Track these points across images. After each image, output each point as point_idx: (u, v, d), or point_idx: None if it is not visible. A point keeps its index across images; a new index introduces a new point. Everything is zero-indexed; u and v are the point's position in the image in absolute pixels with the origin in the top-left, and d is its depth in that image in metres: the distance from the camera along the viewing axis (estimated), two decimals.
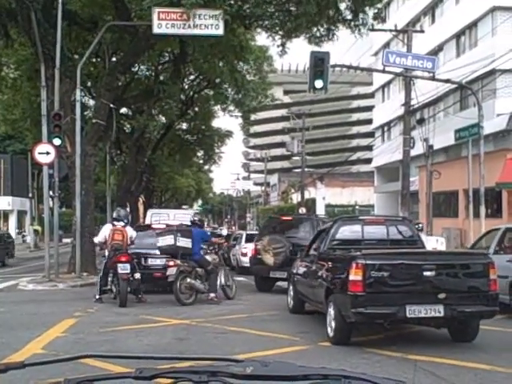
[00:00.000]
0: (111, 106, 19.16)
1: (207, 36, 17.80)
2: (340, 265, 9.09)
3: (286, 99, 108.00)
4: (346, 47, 31.48)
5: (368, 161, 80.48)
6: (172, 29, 16.31)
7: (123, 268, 12.94)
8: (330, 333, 8.94)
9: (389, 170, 43.63)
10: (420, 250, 10.55)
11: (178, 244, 13.53)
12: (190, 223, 14.95)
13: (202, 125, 41.69)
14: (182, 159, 45.12)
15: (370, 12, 19.06)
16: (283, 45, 22.61)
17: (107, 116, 19.16)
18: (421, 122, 24.98)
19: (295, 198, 60.55)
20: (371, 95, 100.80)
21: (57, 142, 17.64)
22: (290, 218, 18.59)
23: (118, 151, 30.77)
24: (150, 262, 15.51)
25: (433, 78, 18.60)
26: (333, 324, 8.84)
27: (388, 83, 44.17)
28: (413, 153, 23.55)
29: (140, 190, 36.95)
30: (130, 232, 13.79)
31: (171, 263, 14.19)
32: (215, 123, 43.00)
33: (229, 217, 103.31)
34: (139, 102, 26.43)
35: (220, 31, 16.72)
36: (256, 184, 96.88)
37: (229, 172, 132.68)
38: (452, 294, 8.31)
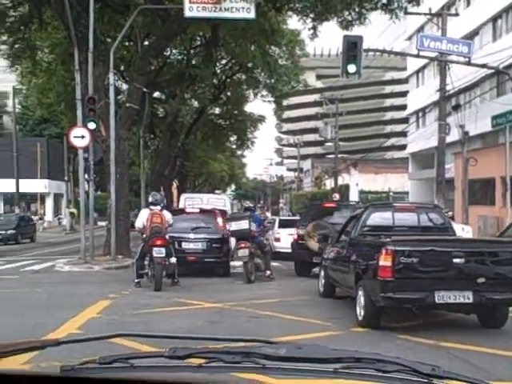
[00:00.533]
0: (144, 90, 19.26)
1: (239, 19, 17.75)
2: (370, 250, 9.21)
3: (319, 84, 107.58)
4: (379, 31, 31.09)
5: (402, 147, 79.77)
6: (203, 12, 16.28)
7: (158, 252, 12.96)
8: (360, 317, 9.11)
9: (424, 156, 43.06)
10: (450, 237, 10.60)
11: (251, 228, 14.77)
12: (244, 209, 16.68)
13: (234, 109, 41.62)
14: (214, 144, 45.19)
15: None
16: (314, 28, 22.47)
17: (140, 100, 19.29)
18: (456, 107, 24.57)
19: (328, 183, 59.84)
20: (405, 80, 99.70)
21: (91, 125, 17.82)
22: (332, 204, 18.75)
23: (151, 135, 30.93)
24: (184, 245, 15.79)
25: (469, 63, 18.24)
26: (362, 308, 9.01)
27: (422, 68, 43.47)
28: (448, 139, 23.20)
29: (174, 175, 37.17)
30: (168, 216, 13.85)
31: (243, 245, 14.75)
32: (248, 108, 42.91)
33: (262, 202, 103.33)
34: (172, 86, 26.52)
35: (251, 14, 16.64)
36: (289, 170, 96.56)
37: (262, 157, 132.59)
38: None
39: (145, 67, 19.47)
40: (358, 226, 10.82)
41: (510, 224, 14.44)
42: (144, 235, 13.70)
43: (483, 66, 19.66)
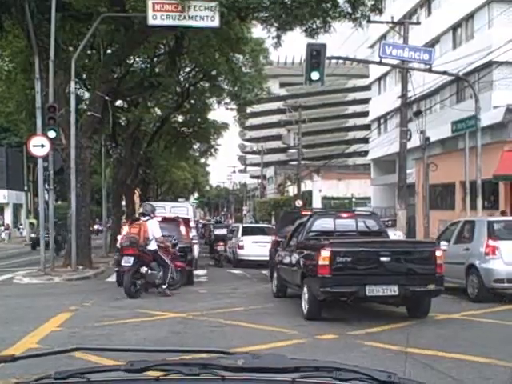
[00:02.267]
0: (106, 98, 19.00)
1: (203, 28, 17.66)
2: (312, 252, 10.50)
3: (282, 92, 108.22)
4: (343, 39, 31.38)
5: (364, 153, 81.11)
6: (167, 20, 16.18)
7: (126, 261, 13.22)
8: (304, 310, 10.40)
9: (385, 162, 43.52)
10: (378, 239, 11.85)
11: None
12: (216, 222, 16.64)
13: (197, 117, 41.53)
14: (178, 152, 44.93)
15: (368, 3, 18.95)
16: (278, 37, 22.48)
17: (102, 108, 19.02)
18: (418, 114, 24.87)
19: (292, 190, 60.33)
20: (367, 87, 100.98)
21: (51, 134, 17.52)
22: (310, 212, 18.61)
23: (113, 144, 30.54)
24: None
25: (429, 70, 18.51)
26: (307, 303, 10.31)
27: (384, 75, 44.03)
28: (410, 145, 23.47)
29: (136, 183, 36.77)
30: (152, 226, 13.75)
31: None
32: (211, 116, 42.74)
33: (225, 210, 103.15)
34: (134, 94, 26.22)
35: (216, 23, 16.62)
36: (252, 177, 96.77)
37: (225, 165, 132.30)
38: (405, 275, 9.85)
39: (107, 75, 19.24)
40: (304, 232, 12.17)
41: (445, 227, 15.36)
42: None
43: (444, 72, 19.97)
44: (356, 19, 18.12)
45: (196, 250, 16.54)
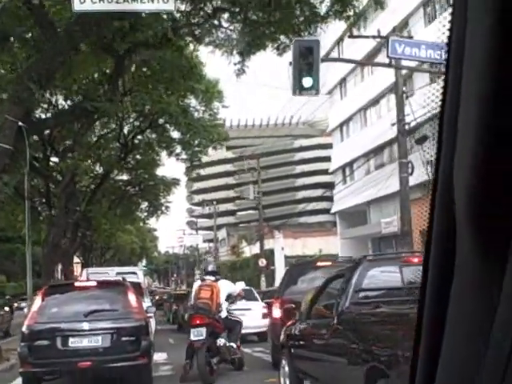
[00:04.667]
0: (19, 123, 14.18)
1: (152, 12, 13.14)
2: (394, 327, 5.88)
3: (230, 154, 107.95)
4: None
5: (316, 212, 79.22)
6: (100, 4, 11.52)
7: (197, 334, 10.63)
8: None
9: (352, 214, 39.90)
10: None
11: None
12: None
13: (145, 174, 37.20)
14: (123, 213, 40.09)
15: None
16: (243, 61, 19.17)
17: (15, 139, 14.07)
18: (422, 140, 21.05)
19: (248, 251, 57.91)
20: (314, 147, 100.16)
21: None
22: (328, 262, 13.12)
23: (42, 200, 25.45)
24: (72, 343, 9.66)
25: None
26: None
27: (348, 120, 40.84)
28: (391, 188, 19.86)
29: (75, 248, 31.46)
30: (226, 287, 11.63)
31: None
32: (159, 172, 38.33)
33: (175, 275, 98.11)
34: (61, 123, 21.12)
35: (170, 6, 12.10)
36: (205, 241, 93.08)
37: (173, 229, 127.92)
38: None
39: (21, 93, 14.31)
40: (348, 293, 7.18)
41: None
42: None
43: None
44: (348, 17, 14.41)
45: (153, 326, 11.93)
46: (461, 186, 0.78)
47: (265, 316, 17.61)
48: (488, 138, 0.70)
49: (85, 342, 9.55)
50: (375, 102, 36.20)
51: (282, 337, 9.36)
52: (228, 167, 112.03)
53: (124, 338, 9.71)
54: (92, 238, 37.70)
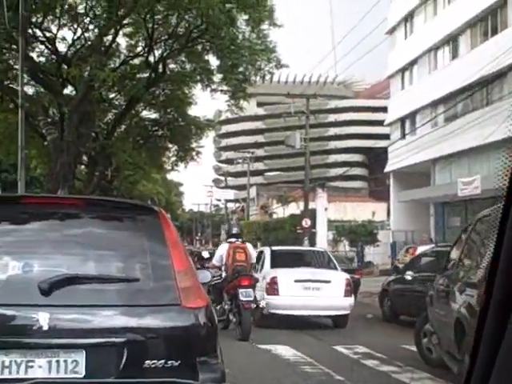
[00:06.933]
0: None
1: None
2: None
3: (261, 111, 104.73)
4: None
5: (351, 177, 75.55)
6: None
7: (246, 294, 10.86)
8: None
9: (410, 175, 34.62)
10: None
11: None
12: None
13: (174, 111, 32.09)
14: (149, 156, 35.03)
15: None
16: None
17: None
18: None
19: (281, 212, 53.85)
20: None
21: None
22: None
23: (48, 119, 20.16)
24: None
25: None
26: None
27: (410, 65, 35.18)
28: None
29: (90, 190, 26.32)
30: (251, 250, 12.08)
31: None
32: (191, 112, 33.19)
33: (199, 234, 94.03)
34: None
35: None
36: (229, 201, 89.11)
37: (199, 186, 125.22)
38: None
39: None
40: None
41: None
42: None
43: None
44: None
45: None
46: None
47: (348, 293, 12.76)
48: None
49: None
50: (452, 39, 30.51)
51: None
52: (258, 124, 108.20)
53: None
54: (112, 181, 32.67)
